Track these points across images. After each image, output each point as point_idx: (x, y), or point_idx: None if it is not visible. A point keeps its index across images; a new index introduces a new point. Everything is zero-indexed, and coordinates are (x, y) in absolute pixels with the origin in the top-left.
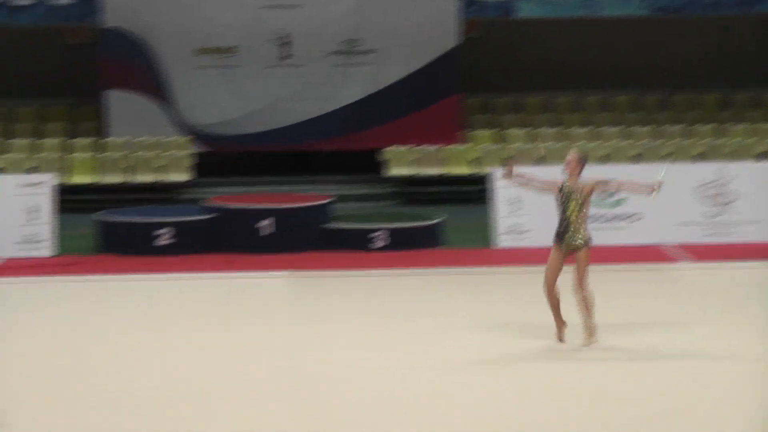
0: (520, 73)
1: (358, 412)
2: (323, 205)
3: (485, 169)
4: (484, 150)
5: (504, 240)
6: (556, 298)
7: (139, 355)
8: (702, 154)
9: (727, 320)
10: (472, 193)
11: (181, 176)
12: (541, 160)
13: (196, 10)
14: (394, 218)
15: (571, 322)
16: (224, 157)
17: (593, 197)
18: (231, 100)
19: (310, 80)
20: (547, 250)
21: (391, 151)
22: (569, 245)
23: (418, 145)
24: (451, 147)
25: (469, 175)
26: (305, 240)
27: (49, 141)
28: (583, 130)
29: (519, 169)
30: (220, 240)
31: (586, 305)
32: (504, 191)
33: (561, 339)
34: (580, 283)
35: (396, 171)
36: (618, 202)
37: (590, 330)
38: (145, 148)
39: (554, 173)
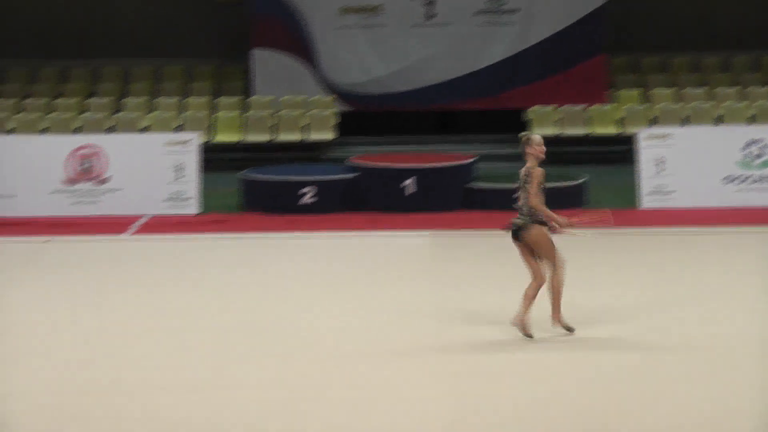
0: (667, 32)
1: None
2: (467, 165)
3: (630, 129)
4: (629, 110)
5: (648, 201)
6: (556, 286)
7: (290, 312)
8: None
9: None
10: (617, 153)
11: (325, 135)
12: (686, 120)
13: None
14: None
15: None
16: (368, 116)
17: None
18: (375, 59)
19: (454, 40)
20: (693, 211)
21: (535, 111)
22: (519, 232)
23: (563, 105)
24: (596, 107)
25: (614, 135)
26: (448, 200)
27: (195, 100)
28: (730, 90)
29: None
30: (363, 199)
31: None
32: (649, 151)
33: (521, 328)
34: (548, 266)
35: (540, 131)
36: (765, 164)
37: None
38: (290, 107)
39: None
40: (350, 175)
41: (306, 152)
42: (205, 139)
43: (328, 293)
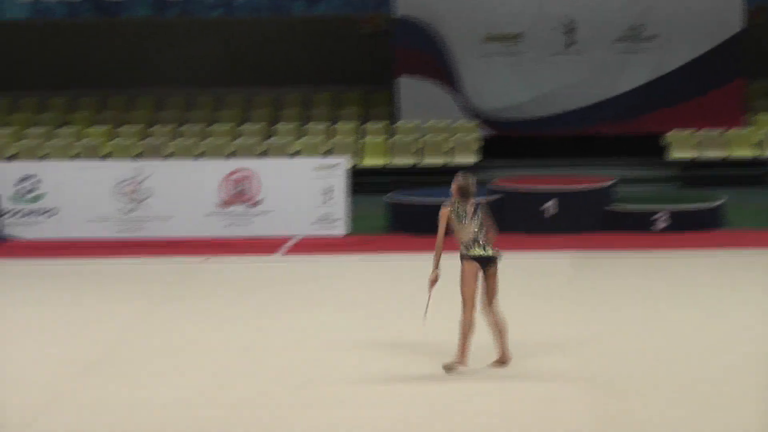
0: None
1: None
2: (606, 188)
3: None
4: (767, 134)
5: None
6: (474, 324)
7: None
8: None
9: None
10: (755, 176)
11: (469, 159)
12: None
13: None
14: (676, 200)
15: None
16: (509, 141)
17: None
18: (517, 85)
19: (593, 66)
20: None
21: (673, 135)
22: (485, 254)
23: (700, 129)
24: (734, 130)
25: (752, 158)
26: (588, 221)
27: (343, 125)
28: None
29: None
30: (505, 221)
31: (501, 326)
32: None
33: (464, 365)
34: (493, 301)
35: (678, 154)
36: None
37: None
38: (434, 132)
39: None
40: (492, 198)
41: (450, 176)
42: (353, 163)
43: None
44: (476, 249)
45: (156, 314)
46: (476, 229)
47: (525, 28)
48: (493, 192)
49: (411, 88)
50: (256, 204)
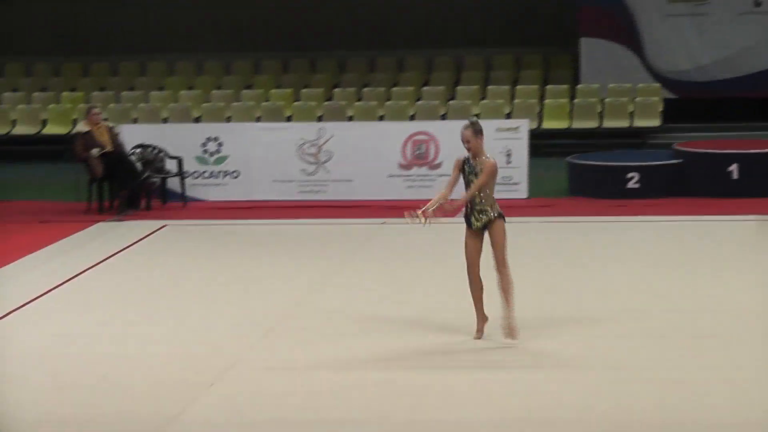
0: None
1: None
2: None
3: None
4: None
5: None
6: (478, 287)
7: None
8: None
9: None
10: None
11: (651, 122)
12: None
13: None
14: None
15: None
16: (692, 103)
17: (495, 175)
18: (701, 47)
19: None
20: None
21: None
22: (478, 224)
23: None
24: None
25: None
26: None
27: (524, 88)
28: None
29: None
30: (688, 184)
31: (505, 290)
32: None
33: (478, 335)
34: (501, 262)
35: None
36: None
37: (510, 326)
38: (616, 95)
39: None
40: (675, 161)
41: (631, 139)
42: (534, 126)
43: (656, 275)
44: (472, 217)
45: (337, 276)
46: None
47: None
48: (675, 155)
49: (593, 50)
50: (435, 167)
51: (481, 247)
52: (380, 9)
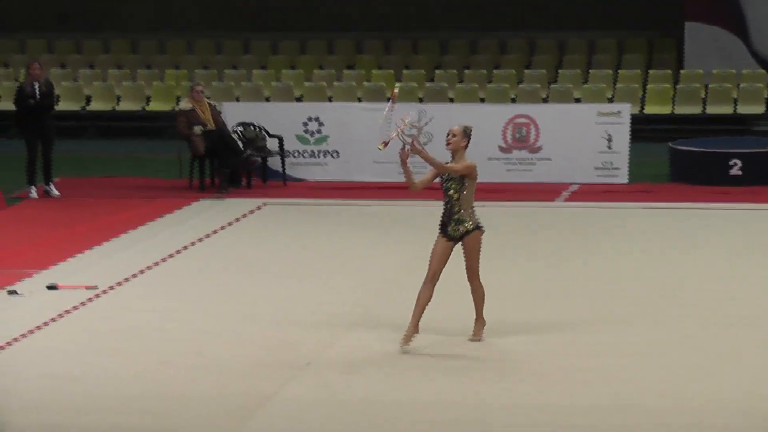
0: None
1: None
2: None
3: None
4: None
5: None
6: (427, 297)
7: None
8: None
9: None
10: None
11: (756, 108)
12: None
13: None
14: None
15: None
16: None
17: (474, 178)
18: None
19: None
20: None
21: None
22: (455, 235)
23: None
24: None
25: None
26: None
27: (627, 72)
28: None
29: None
30: None
31: (477, 302)
32: None
33: (405, 342)
34: (474, 274)
35: None
36: None
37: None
38: (720, 80)
39: None
40: None
41: (735, 125)
42: (636, 111)
43: (755, 266)
44: (449, 226)
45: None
46: (452, 195)
47: None
48: None
49: (697, 34)
50: (536, 150)
51: (448, 258)
52: None
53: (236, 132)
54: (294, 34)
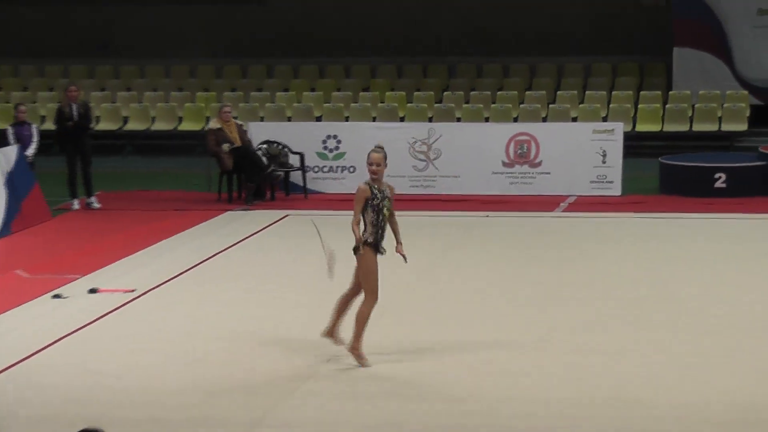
0: None
1: None
2: None
3: None
4: None
5: None
6: (349, 302)
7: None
8: None
9: None
10: None
11: (738, 126)
12: None
13: None
14: None
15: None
16: None
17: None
18: None
19: None
20: None
21: None
22: (382, 251)
23: None
24: None
25: None
26: None
27: (620, 93)
28: None
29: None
30: None
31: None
32: None
33: (326, 334)
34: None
35: None
36: None
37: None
38: (706, 100)
39: None
40: (761, 163)
41: (719, 141)
42: (629, 128)
43: (738, 271)
44: (381, 244)
45: (441, 263)
46: (386, 214)
47: None
48: (761, 157)
49: (685, 59)
50: (536, 165)
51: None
52: (487, 20)
53: (261, 149)
54: (314, 60)
